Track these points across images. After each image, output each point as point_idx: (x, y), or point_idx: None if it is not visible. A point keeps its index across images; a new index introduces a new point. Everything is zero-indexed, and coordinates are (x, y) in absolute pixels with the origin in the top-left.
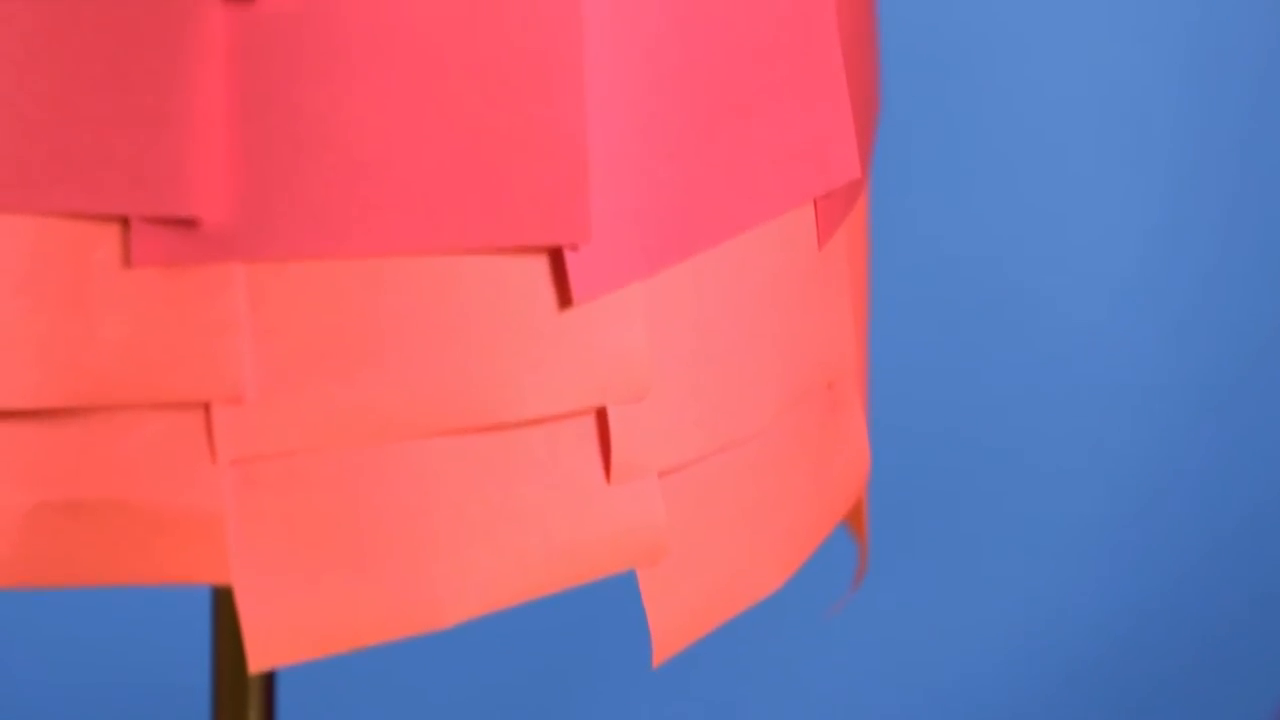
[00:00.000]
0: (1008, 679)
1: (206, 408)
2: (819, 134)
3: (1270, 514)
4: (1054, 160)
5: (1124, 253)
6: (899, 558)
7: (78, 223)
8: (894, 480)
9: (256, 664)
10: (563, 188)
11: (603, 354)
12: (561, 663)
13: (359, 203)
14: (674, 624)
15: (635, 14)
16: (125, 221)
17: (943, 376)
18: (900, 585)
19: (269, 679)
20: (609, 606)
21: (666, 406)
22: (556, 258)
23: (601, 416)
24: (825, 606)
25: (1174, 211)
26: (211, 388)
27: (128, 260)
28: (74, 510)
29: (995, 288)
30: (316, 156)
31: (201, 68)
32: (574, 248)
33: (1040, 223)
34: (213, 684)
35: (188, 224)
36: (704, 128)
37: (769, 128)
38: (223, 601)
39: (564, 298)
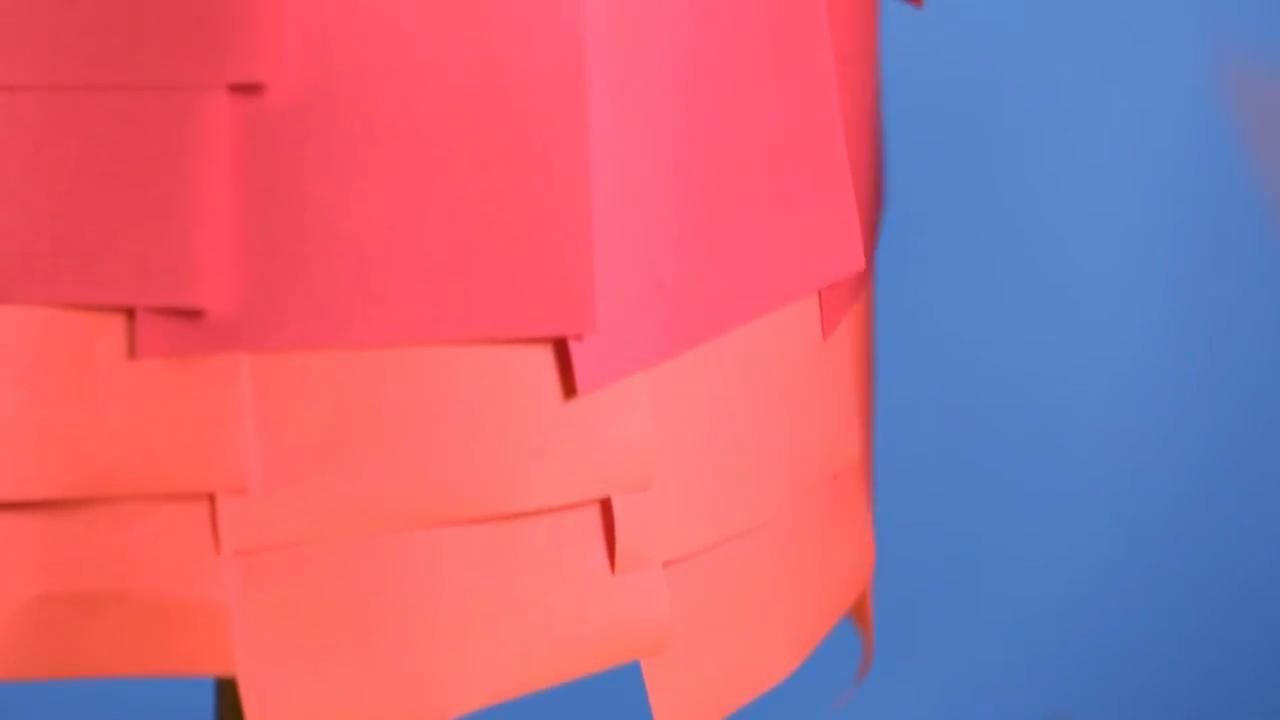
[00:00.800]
0: None
1: (211, 498)
2: (823, 226)
3: None
4: (1062, 251)
5: (1131, 350)
6: (904, 651)
7: (82, 313)
8: (899, 573)
9: None
10: (568, 278)
11: (607, 444)
12: None
13: (364, 293)
14: (678, 715)
15: (642, 106)
16: (130, 312)
17: (948, 469)
18: (905, 679)
19: None
20: (612, 697)
21: (671, 496)
22: (561, 348)
23: (606, 507)
24: (830, 700)
25: (1180, 306)
26: (216, 479)
27: (133, 351)
28: (76, 602)
29: (1003, 381)
30: (321, 247)
31: (207, 158)
32: (579, 338)
33: (1047, 315)
34: None
35: (193, 315)
36: (708, 219)
37: (773, 219)
38: (225, 687)
39: (569, 388)
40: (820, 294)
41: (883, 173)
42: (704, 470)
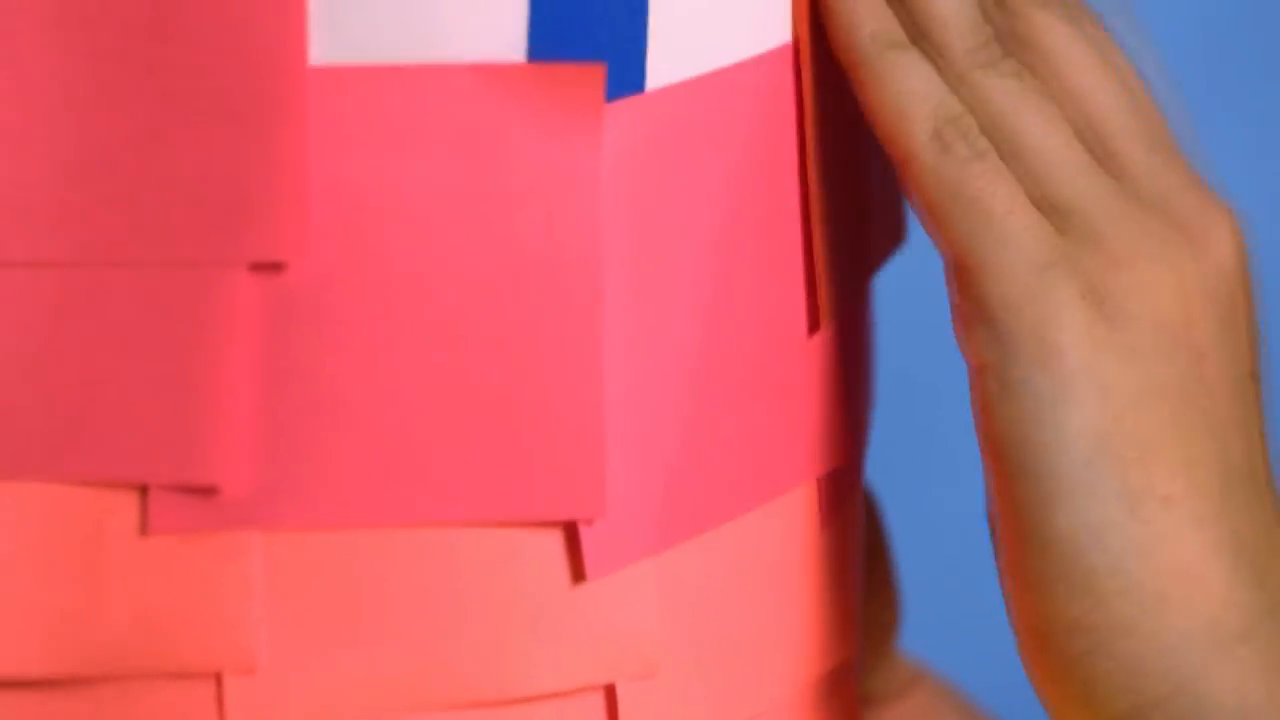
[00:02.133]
0: None
1: (218, 677)
2: (818, 420)
3: None
4: None
5: None
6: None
7: (94, 490)
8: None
9: None
10: (579, 463)
11: (614, 630)
12: None
13: (378, 473)
14: None
15: (655, 295)
16: (142, 489)
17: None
18: None
19: None
20: None
21: (675, 683)
22: (571, 532)
23: (610, 693)
24: None
25: None
26: (224, 658)
27: (144, 528)
28: None
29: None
30: (336, 426)
31: (226, 336)
32: (589, 522)
33: None
34: None
35: (207, 492)
36: (711, 409)
37: (772, 413)
38: None
39: (577, 572)
40: (819, 483)
41: (874, 373)
42: (707, 657)
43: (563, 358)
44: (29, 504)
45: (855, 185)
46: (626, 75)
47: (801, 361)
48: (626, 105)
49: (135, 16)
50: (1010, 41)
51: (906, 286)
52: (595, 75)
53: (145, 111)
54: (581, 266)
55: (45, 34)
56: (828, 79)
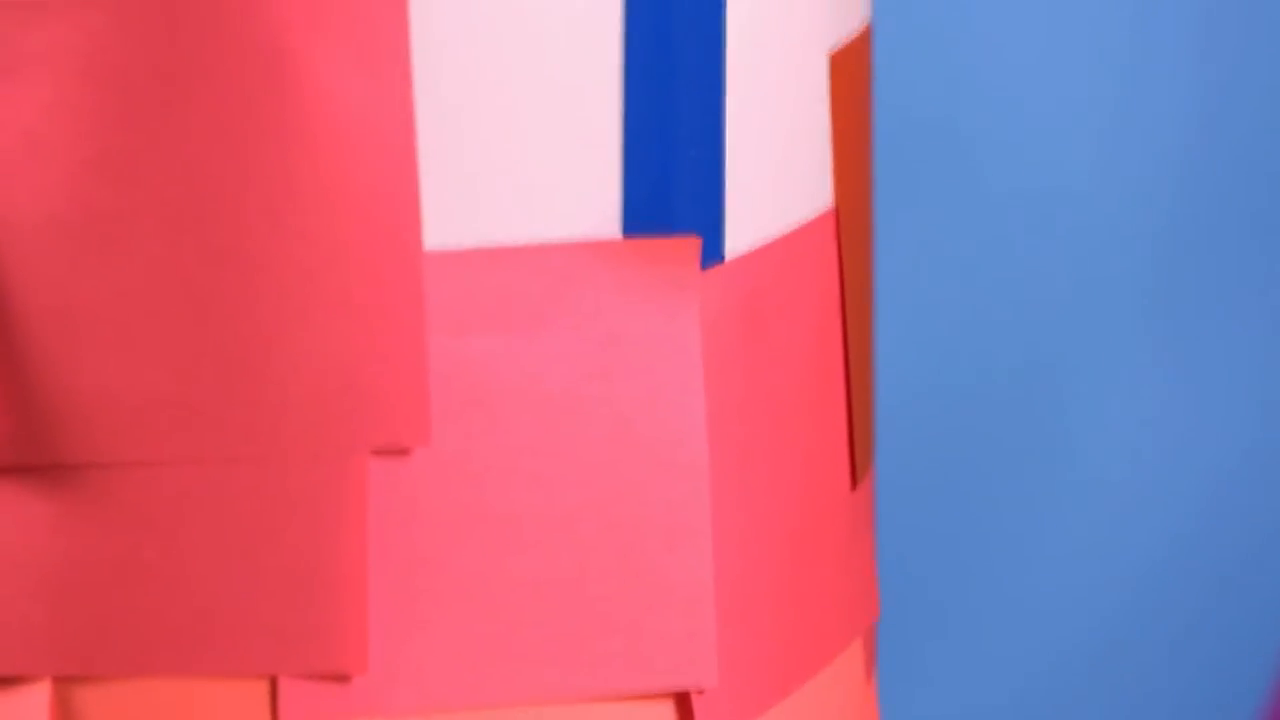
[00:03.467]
0: None
1: None
2: (864, 571)
3: None
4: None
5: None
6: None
7: (223, 684)
8: (899, 578)
9: None
10: (691, 633)
11: None
12: None
13: (497, 654)
14: None
15: (730, 471)
16: (272, 679)
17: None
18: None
19: None
20: None
21: None
22: (682, 702)
23: None
24: None
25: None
26: None
27: (274, 719)
28: None
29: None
30: (456, 608)
31: (350, 523)
32: (700, 691)
33: (1049, 315)
34: None
35: (337, 680)
36: (782, 568)
37: (833, 568)
38: None
39: None
40: (865, 634)
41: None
42: None
43: (672, 531)
44: (160, 701)
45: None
46: (709, 247)
47: (850, 516)
48: (711, 275)
49: (251, 216)
50: None
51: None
52: (692, 247)
53: (264, 309)
54: (688, 439)
55: (157, 235)
56: (861, 241)
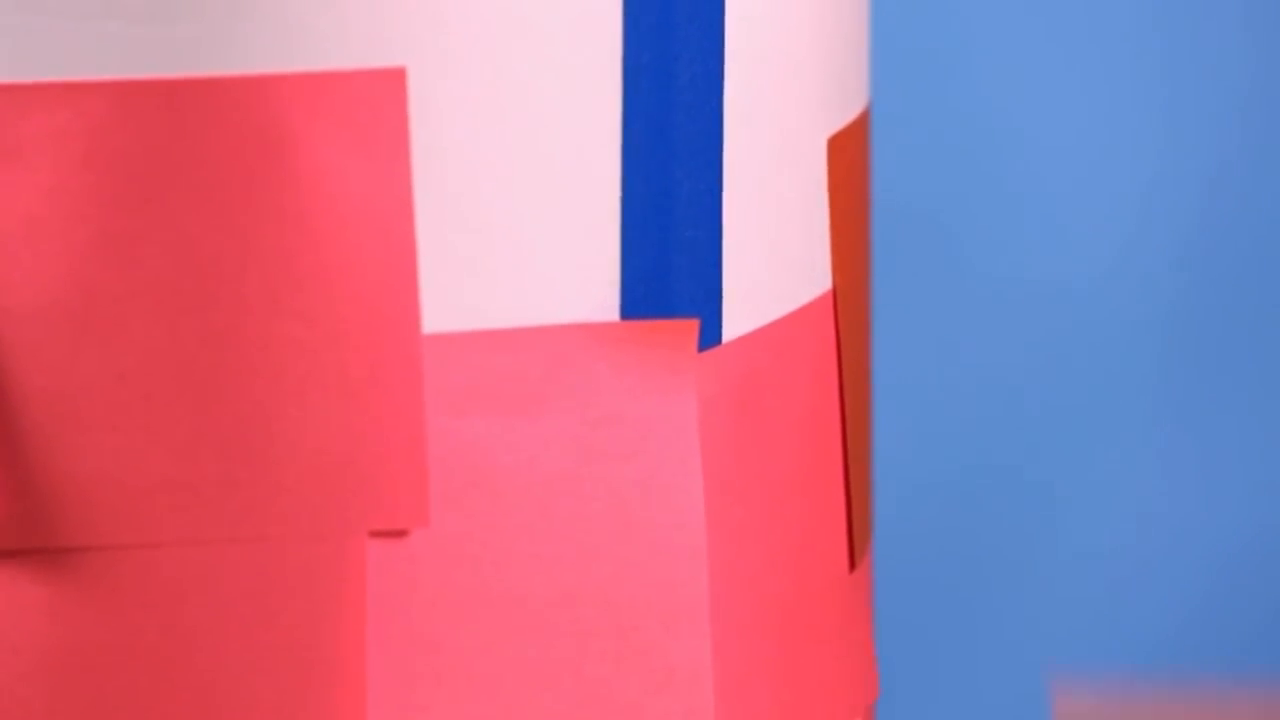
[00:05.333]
0: None
1: None
2: (864, 652)
3: None
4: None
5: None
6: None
7: None
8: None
9: None
10: (690, 716)
11: None
12: None
13: None
14: None
15: (727, 552)
16: None
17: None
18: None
19: None
20: None
21: None
22: None
23: None
24: None
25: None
26: None
27: None
28: None
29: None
30: (454, 690)
31: (348, 605)
32: None
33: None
34: None
35: None
36: (781, 649)
37: (836, 650)
38: None
39: None
40: (865, 712)
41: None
42: None
43: (671, 612)
44: None
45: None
46: (706, 329)
47: (848, 597)
48: (708, 358)
49: (250, 299)
50: None
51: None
52: (689, 330)
53: (263, 390)
54: (686, 520)
55: (157, 319)
56: (859, 324)
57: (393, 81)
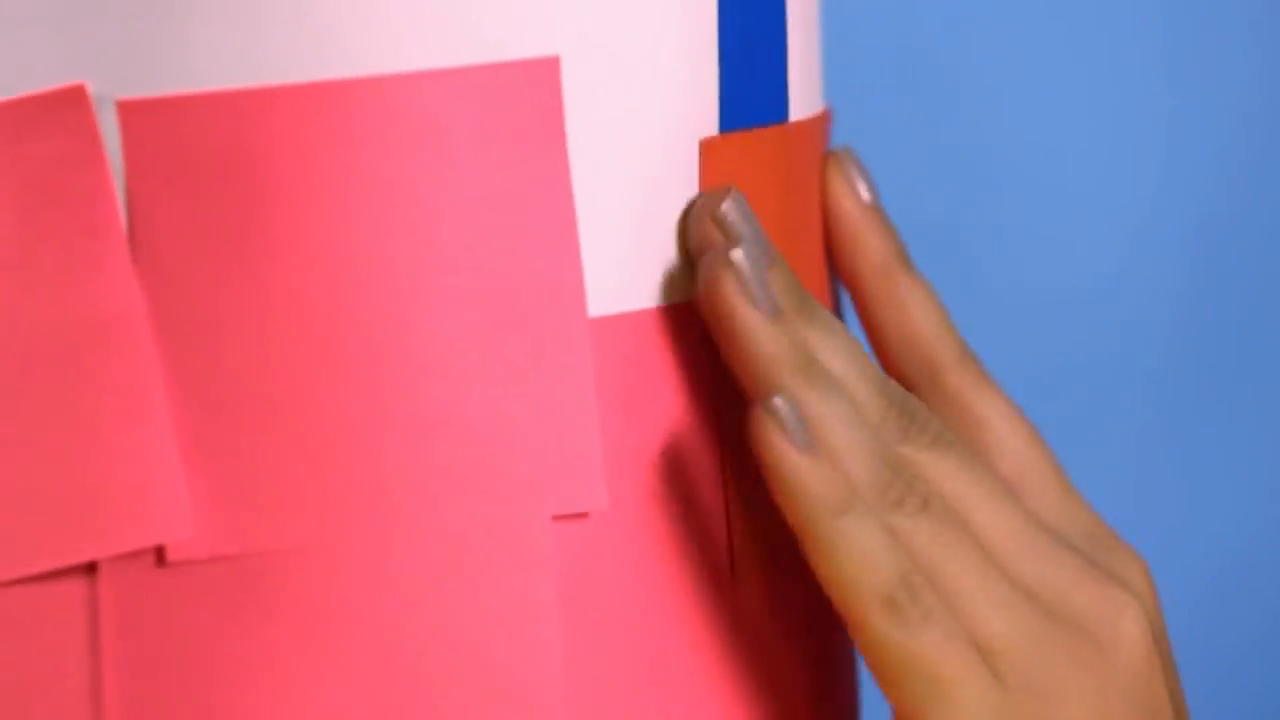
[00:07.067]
0: None
1: None
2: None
3: None
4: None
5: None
6: None
7: None
8: None
9: None
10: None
11: None
12: None
13: None
14: None
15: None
16: None
17: None
18: None
19: None
20: None
21: None
22: None
23: None
24: None
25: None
26: None
27: None
28: None
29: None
30: None
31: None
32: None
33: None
34: None
35: None
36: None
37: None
38: None
39: None
40: None
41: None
42: None
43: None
44: None
45: None
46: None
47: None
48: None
49: (423, 294)
50: (906, 477)
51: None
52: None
53: (438, 383)
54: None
55: (333, 325)
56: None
57: (547, 71)
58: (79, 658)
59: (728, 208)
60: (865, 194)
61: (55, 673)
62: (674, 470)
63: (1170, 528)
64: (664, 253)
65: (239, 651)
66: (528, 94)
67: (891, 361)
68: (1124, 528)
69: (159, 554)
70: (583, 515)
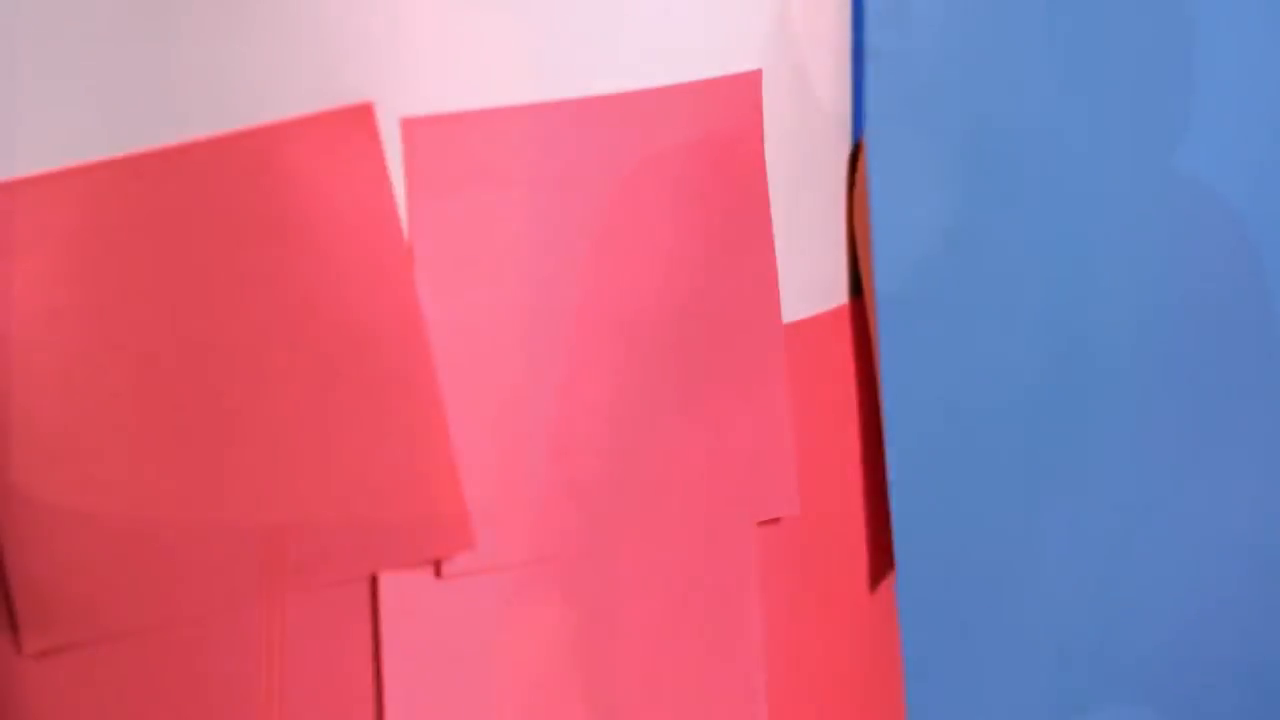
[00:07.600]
0: None
1: None
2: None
3: None
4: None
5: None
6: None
7: None
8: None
9: None
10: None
11: None
12: None
13: None
14: None
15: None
16: None
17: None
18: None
19: None
20: None
21: None
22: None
23: None
24: None
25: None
26: None
27: None
28: None
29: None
30: None
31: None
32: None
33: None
34: None
35: None
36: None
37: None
38: None
39: None
40: None
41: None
42: None
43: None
44: None
45: None
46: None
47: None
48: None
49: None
50: None
51: None
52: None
53: (669, 388)
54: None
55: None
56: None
57: (749, 85)
58: (363, 662)
59: None
60: None
61: (344, 675)
62: (834, 475)
63: (1170, 527)
64: (831, 255)
65: (509, 658)
66: (731, 107)
67: None
68: (1124, 527)
69: (436, 567)
70: (776, 521)
